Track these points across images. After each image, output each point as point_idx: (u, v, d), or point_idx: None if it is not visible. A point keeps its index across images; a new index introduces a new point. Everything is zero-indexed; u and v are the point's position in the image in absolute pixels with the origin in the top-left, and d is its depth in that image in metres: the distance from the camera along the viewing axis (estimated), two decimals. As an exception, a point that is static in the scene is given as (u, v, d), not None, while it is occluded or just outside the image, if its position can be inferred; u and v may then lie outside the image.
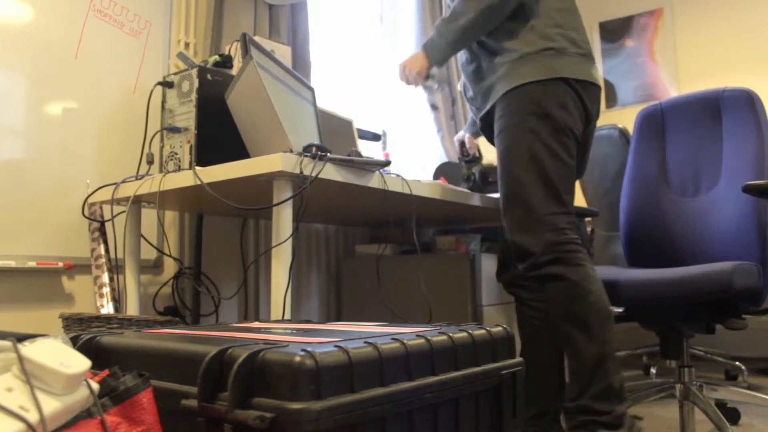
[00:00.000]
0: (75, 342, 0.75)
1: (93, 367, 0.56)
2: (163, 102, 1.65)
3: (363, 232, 2.63)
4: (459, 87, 1.86)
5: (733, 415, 1.97)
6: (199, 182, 1.40)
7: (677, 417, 1.77)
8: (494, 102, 1.56)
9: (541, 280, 1.44)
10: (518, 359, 0.82)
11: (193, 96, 1.57)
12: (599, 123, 1.87)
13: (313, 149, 1.31)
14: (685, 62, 3.75)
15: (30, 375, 0.50)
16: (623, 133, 2.78)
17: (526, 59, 1.51)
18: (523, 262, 1.46)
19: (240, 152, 1.52)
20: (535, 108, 1.48)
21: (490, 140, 1.69)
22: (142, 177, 1.61)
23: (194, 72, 1.58)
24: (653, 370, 2.91)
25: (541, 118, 1.48)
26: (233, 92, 1.53)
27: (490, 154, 1.88)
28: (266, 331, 0.86)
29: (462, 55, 1.70)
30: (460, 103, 3.05)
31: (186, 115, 1.58)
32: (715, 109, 1.90)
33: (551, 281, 1.42)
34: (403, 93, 2.98)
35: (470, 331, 0.78)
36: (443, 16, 1.62)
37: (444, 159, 2.92)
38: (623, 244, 2.06)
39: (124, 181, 1.64)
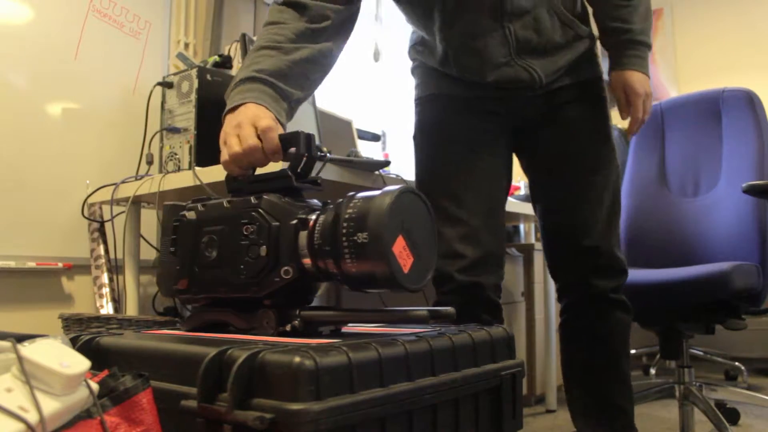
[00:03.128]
0: (75, 342, 0.75)
1: (92, 368, 0.56)
2: (163, 102, 1.65)
3: (363, 233, 2.63)
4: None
5: (732, 416, 1.97)
6: (198, 182, 1.40)
7: (677, 417, 1.77)
8: (574, 81, 1.24)
9: (613, 306, 1.29)
10: (518, 360, 0.82)
11: (193, 96, 1.57)
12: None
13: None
14: (685, 62, 3.75)
15: (30, 375, 0.50)
16: (622, 133, 2.78)
17: (596, 49, 1.27)
18: (618, 280, 1.29)
19: (240, 152, 1.52)
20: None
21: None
22: (142, 177, 1.61)
23: (194, 72, 1.58)
24: (653, 371, 2.91)
25: None
26: (233, 92, 1.53)
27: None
28: (266, 331, 0.86)
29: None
30: None
31: (185, 116, 1.58)
32: (715, 110, 1.89)
33: (624, 309, 1.30)
34: (403, 93, 2.98)
35: (469, 332, 0.78)
36: (639, 14, 1.23)
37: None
38: (623, 244, 2.06)
39: (123, 182, 1.64)
